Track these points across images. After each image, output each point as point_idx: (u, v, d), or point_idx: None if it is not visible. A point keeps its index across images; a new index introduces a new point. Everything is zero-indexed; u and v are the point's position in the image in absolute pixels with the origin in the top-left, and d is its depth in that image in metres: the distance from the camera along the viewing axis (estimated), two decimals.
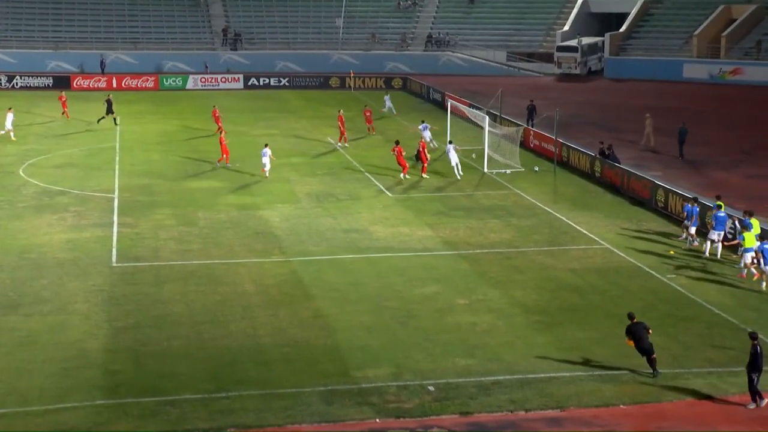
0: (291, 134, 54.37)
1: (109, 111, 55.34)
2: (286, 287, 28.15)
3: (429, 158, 43.87)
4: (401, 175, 42.38)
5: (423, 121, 47.31)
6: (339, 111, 51.86)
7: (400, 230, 34.37)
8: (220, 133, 47.30)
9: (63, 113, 57.33)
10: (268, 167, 42.13)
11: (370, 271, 29.71)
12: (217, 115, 54.51)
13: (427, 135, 47.10)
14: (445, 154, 43.63)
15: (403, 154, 42.96)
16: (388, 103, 60.10)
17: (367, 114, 54.95)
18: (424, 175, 42.84)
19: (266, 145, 42.79)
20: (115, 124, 55.33)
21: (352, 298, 27.29)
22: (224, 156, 44.80)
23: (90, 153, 48.75)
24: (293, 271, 29.61)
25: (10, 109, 52.32)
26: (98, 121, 55.11)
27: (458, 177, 42.21)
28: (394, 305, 26.71)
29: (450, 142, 44.00)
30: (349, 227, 34.79)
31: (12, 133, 50.57)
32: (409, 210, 37.43)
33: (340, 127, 50.13)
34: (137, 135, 54.16)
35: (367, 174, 43.90)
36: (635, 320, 22.52)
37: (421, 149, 43.16)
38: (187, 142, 51.81)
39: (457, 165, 42.47)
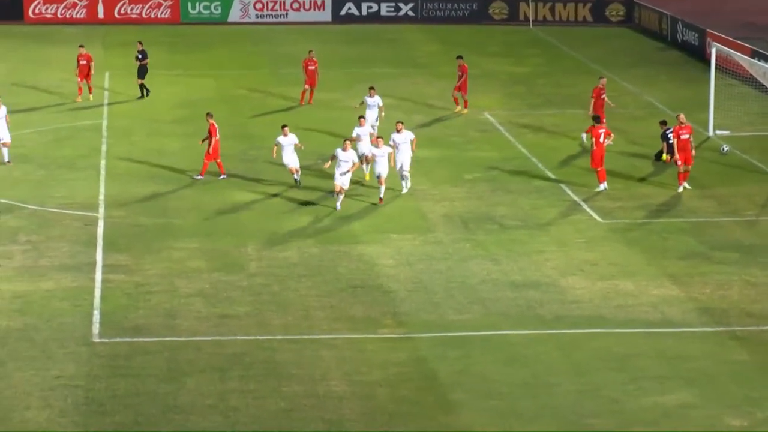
0: (419, 106, 54.87)
1: (141, 73, 56.68)
2: (406, 387, 28.20)
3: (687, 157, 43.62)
4: (599, 185, 42.78)
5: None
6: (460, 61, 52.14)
7: (617, 286, 34.27)
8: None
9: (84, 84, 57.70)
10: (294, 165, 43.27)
11: (561, 361, 29.66)
12: (312, 69, 55.04)
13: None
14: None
15: (610, 139, 43.12)
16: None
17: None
18: (684, 185, 42.67)
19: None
20: (142, 95, 56.71)
21: (527, 410, 27.20)
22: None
23: (56, 138, 49.91)
24: (419, 359, 29.71)
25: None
26: (146, 94, 56.50)
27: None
28: (607, 424, 26.56)
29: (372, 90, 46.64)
30: (524, 279, 34.84)
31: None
32: (636, 248, 37.34)
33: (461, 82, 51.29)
34: (141, 106, 55.16)
35: (557, 181, 43.96)
36: None
37: (675, 140, 42.68)
38: (230, 119, 52.50)
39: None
